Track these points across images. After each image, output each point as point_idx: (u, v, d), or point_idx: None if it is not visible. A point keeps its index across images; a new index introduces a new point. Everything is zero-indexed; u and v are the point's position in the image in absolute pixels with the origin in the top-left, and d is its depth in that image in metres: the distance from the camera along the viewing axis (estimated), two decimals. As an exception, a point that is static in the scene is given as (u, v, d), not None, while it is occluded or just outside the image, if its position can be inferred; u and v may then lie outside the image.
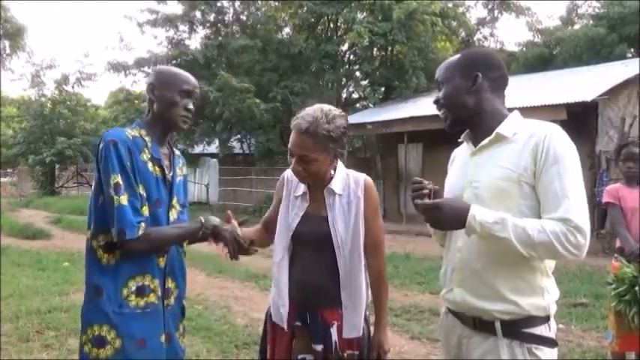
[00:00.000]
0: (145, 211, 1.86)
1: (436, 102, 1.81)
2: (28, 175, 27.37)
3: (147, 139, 1.93)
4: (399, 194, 15.03)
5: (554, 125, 1.67)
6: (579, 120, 10.67)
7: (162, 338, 1.91)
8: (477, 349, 1.70)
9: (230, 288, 6.81)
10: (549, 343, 1.66)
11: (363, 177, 2.05)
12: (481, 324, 1.69)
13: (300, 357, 1.97)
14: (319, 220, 2.00)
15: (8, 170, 33.60)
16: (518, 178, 1.62)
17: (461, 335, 1.77)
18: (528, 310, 1.63)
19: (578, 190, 1.59)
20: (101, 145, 1.84)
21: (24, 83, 31.83)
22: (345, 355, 1.95)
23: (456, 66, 1.76)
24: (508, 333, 1.64)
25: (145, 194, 1.87)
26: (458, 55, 1.82)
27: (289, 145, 1.97)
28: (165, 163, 1.99)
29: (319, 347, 1.95)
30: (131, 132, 1.92)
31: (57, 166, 24.58)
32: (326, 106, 2.00)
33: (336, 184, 2.02)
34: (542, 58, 21.28)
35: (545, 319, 1.67)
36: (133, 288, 1.85)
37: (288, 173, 2.14)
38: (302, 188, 2.07)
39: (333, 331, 1.95)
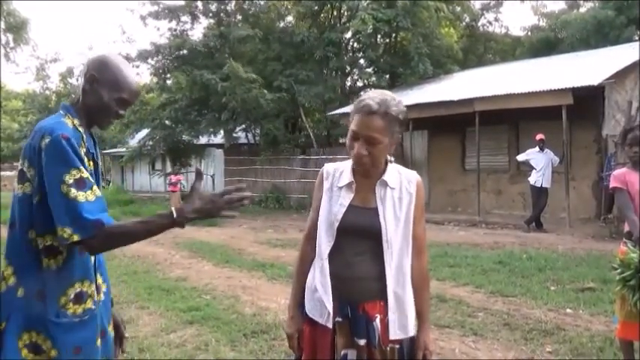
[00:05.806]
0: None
1: None
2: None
3: (81, 129, 1.77)
4: (405, 182, 14.96)
5: None
6: (586, 104, 10.57)
7: (98, 341, 1.81)
8: None
9: (237, 277, 6.84)
10: None
11: (415, 175, 2.03)
12: None
13: (343, 352, 1.90)
14: (367, 212, 1.94)
15: (15, 164, 33.74)
16: None
17: None
18: None
19: None
20: (46, 140, 1.65)
21: (29, 77, 31.84)
22: (388, 349, 1.89)
23: None
24: None
25: None
26: None
27: (353, 128, 1.87)
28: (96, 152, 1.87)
29: (362, 342, 1.88)
30: (67, 121, 1.74)
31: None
32: (389, 92, 1.95)
33: (389, 177, 1.97)
34: (547, 42, 21.10)
35: None
36: (72, 296, 1.73)
37: (327, 168, 2.07)
38: (347, 178, 1.98)
39: (376, 324, 1.88)
